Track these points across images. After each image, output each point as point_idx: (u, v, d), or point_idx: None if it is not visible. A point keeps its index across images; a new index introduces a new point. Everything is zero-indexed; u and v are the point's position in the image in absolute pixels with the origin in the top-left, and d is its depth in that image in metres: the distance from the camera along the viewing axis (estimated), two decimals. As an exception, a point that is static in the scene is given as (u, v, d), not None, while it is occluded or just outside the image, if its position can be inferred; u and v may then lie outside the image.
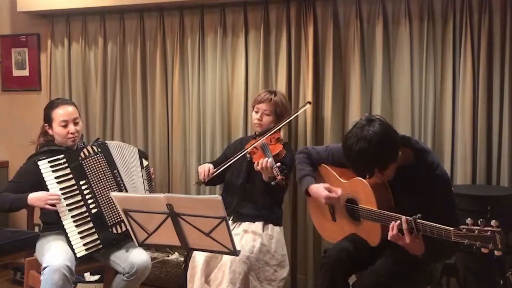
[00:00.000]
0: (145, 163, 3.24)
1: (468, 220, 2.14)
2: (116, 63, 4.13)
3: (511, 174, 3.22)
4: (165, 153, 4.05)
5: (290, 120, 3.31)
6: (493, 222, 2.10)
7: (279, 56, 3.69)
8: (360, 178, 2.54)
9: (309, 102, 3.38)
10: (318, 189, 2.70)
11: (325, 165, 2.83)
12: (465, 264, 3.16)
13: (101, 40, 4.13)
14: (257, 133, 3.30)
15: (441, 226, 2.20)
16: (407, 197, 2.43)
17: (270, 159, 2.88)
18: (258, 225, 3.07)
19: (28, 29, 4.41)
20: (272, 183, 2.83)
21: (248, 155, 3.11)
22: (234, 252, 2.26)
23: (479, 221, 2.12)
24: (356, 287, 2.48)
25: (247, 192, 3.16)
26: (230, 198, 3.15)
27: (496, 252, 2.10)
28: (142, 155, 3.26)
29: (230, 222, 3.01)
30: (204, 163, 3.31)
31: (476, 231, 2.11)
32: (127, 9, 4.02)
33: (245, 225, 3.08)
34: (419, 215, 2.26)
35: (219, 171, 3.11)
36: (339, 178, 2.72)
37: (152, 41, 4.04)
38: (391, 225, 2.33)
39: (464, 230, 2.14)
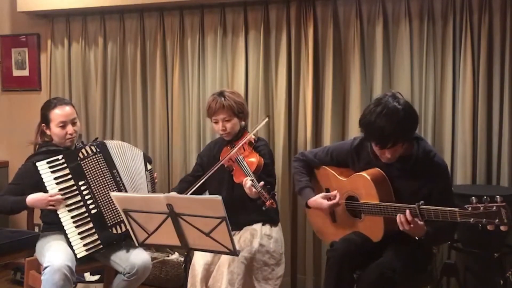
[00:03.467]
0: (148, 166, 3.22)
1: (472, 199, 2.20)
2: (116, 63, 4.13)
3: (511, 174, 3.22)
4: (165, 153, 4.05)
5: (251, 134, 3.04)
6: (498, 198, 2.15)
7: (279, 56, 3.69)
8: (360, 173, 2.57)
9: (268, 116, 3.28)
10: (317, 200, 2.74)
11: (324, 167, 2.84)
12: (465, 264, 3.16)
13: (101, 40, 4.13)
14: (225, 139, 3.14)
15: (446, 208, 2.25)
16: (407, 187, 2.47)
17: (254, 188, 2.68)
18: (256, 227, 3.06)
19: (28, 29, 4.41)
20: (263, 208, 2.69)
21: (227, 168, 2.96)
22: (234, 252, 2.27)
23: (482, 199, 2.17)
24: (361, 281, 2.48)
25: (237, 202, 2.99)
26: None
27: (502, 227, 2.14)
28: (147, 159, 3.23)
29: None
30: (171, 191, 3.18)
31: (482, 208, 2.16)
32: (127, 9, 4.02)
33: (244, 230, 3.06)
34: (422, 202, 2.31)
35: (193, 189, 2.89)
36: (339, 177, 2.73)
37: (152, 41, 4.03)
38: (397, 220, 2.35)
39: (469, 209, 2.19)
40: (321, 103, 3.62)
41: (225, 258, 2.82)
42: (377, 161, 2.56)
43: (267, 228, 3.07)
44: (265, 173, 2.91)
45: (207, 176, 2.91)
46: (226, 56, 3.83)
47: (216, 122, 3.08)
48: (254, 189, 2.69)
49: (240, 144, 2.95)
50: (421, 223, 2.34)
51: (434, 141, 3.39)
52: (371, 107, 2.42)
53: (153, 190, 3.22)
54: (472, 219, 2.18)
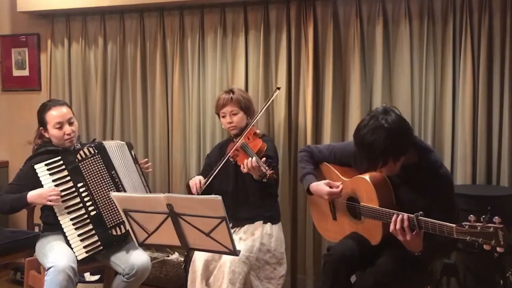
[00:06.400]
0: (133, 154, 3.18)
1: (471, 217, 2.15)
2: (116, 63, 4.13)
3: (511, 174, 3.22)
4: (165, 153, 4.05)
5: (262, 110, 3.23)
6: (495, 219, 2.11)
7: (279, 56, 3.69)
8: (362, 176, 2.54)
9: (278, 88, 3.33)
10: (319, 186, 2.69)
11: (326, 164, 2.83)
12: (465, 264, 3.16)
13: (101, 40, 4.13)
14: (232, 135, 3.27)
15: (443, 223, 2.21)
16: (409, 196, 2.44)
17: (254, 158, 2.84)
18: (257, 225, 3.07)
19: (28, 29, 4.41)
20: (263, 180, 2.80)
21: (231, 159, 3.07)
22: (234, 252, 2.26)
23: (481, 218, 2.13)
24: (356, 286, 2.47)
25: (240, 196, 3.13)
26: (225, 206, 3.11)
27: (498, 249, 2.10)
28: (130, 147, 3.19)
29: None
30: (193, 177, 3.29)
31: (479, 228, 2.11)
32: (127, 9, 4.02)
33: (245, 228, 3.08)
34: (421, 212, 2.27)
35: (209, 180, 3.06)
36: (341, 177, 2.72)
37: (152, 41, 4.03)
38: (393, 218, 2.32)
39: (466, 227, 2.15)
40: (321, 103, 3.62)
41: (226, 257, 2.83)
42: None
43: (268, 227, 3.08)
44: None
45: (217, 170, 3.02)
46: (226, 56, 3.83)
47: (224, 116, 3.23)
48: (255, 163, 2.80)
49: (245, 133, 3.06)
50: (418, 237, 2.30)
51: (434, 141, 3.39)
52: (364, 127, 2.35)
53: (147, 183, 3.19)
54: (468, 238, 2.14)
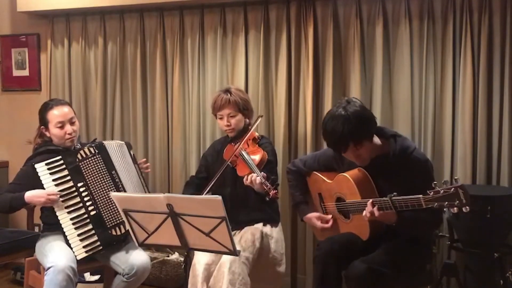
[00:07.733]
0: (132, 154, 3.17)
1: (434, 183, 2.25)
2: (116, 63, 4.13)
3: (511, 174, 3.22)
4: (165, 153, 4.05)
5: (248, 133, 3.04)
6: (455, 180, 2.21)
7: (279, 56, 3.69)
8: (342, 174, 2.63)
9: (261, 116, 3.21)
10: (312, 220, 2.86)
11: (315, 172, 2.90)
12: (465, 264, 3.16)
13: (101, 40, 4.13)
14: (229, 136, 3.19)
15: (412, 196, 2.30)
16: (388, 184, 2.50)
17: (259, 177, 2.75)
18: (257, 226, 3.06)
19: (28, 29, 4.41)
20: (266, 198, 2.75)
21: (230, 164, 2.99)
22: (234, 252, 2.26)
23: (442, 181, 2.24)
24: (348, 275, 2.49)
25: (239, 199, 3.06)
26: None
27: (463, 209, 2.17)
28: (129, 147, 3.16)
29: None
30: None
31: (442, 192, 2.21)
32: (127, 9, 4.02)
33: (245, 229, 3.05)
34: (394, 193, 2.36)
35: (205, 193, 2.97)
36: (327, 181, 2.80)
37: (152, 41, 4.03)
38: (368, 203, 2.43)
39: (431, 194, 2.24)
40: (321, 103, 3.62)
41: (226, 258, 2.81)
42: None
43: (268, 228, 3.07)
44: (268, 170, 2.93)
45: (215, 179, 2.94)
46: (226, 56, 3.83)
47: (221, 118, 3.13)
48: (258, 180, 2.74)
49: (244, 140, 2.99)
50: (387, 211, 2.39)
51: (434, 141, 3.39)
52: (327, 114, 2.53)
53: (146, 181, 3.19)
54: (435, 204, 2.23)
